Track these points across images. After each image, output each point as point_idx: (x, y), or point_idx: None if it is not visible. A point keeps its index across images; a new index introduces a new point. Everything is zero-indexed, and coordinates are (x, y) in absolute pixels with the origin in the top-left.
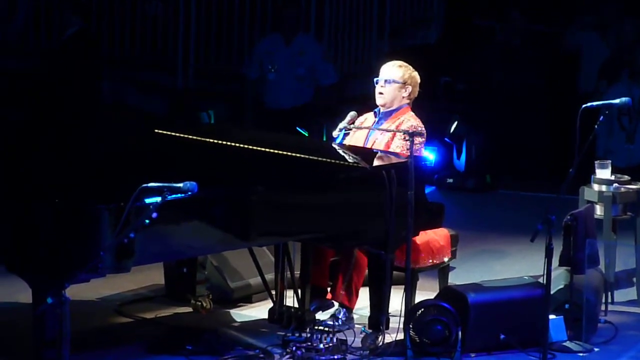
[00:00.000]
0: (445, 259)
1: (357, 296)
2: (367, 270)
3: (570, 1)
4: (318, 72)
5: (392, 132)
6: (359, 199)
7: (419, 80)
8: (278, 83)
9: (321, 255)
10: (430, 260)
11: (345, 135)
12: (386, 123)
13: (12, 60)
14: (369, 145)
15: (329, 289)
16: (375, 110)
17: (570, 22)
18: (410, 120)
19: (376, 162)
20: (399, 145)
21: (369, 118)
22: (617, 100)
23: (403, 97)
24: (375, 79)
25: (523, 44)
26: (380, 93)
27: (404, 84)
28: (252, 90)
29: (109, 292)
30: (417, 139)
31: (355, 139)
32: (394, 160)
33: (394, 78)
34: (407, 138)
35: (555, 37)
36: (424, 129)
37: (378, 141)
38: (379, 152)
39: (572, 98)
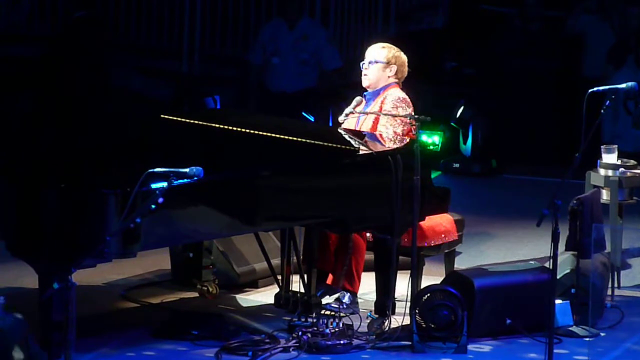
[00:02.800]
0: (452, 241)
1: (359, 280)
2: (372, 255)
3: None
4: (323, 56)
5: (380, 112)
6: (365, 183)
7: (405, 60)
8: (282, 67)
9: (325, 240)
10: (436, 242)
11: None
12: (373, 103)
13: (18, 46)
14: (358, 128)
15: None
16: (365, 93)
17: (573, 6)
18: (395, 93)
19: (374, 146)
20: (384, 124)
21: (363, 103)
22: (623, 85)
23: (388, 77)
24: (361, 63)
25: (530, 29)
26: (365, 75)
27: (388, 63)
28: (256, 75)
29: (115, 277)
30: (402, 105)
31: (348, 123)
32: (379, 146)
33: (377, 58)
34: (413, 123)
35: (561, 21)
36: (407, 98)
37: (366, 122)
38: (374, 137)
39: (579, 82)
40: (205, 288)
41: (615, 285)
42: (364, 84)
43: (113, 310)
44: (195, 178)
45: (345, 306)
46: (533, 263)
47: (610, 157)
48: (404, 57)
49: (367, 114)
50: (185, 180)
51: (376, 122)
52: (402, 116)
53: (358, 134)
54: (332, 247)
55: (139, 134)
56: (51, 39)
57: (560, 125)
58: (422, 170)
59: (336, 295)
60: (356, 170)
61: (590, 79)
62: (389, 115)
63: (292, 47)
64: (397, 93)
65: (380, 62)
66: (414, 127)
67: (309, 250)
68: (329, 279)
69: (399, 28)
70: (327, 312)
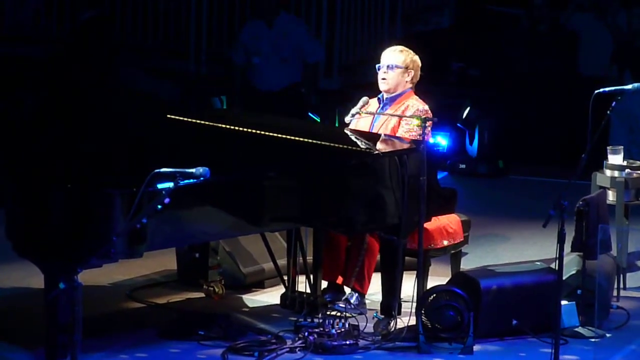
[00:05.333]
0: (458, 241)
1: (369, 281)
2: (379, 256)
3: None
4: (305, 50)
5: (399, 117)
6: (371, 184)
7: (420, 64)
8: (264, 67)
9: (336, 252)
10: (444, 242)
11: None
12: (391, 108)
13: (24, 47)
14: (374, 131)
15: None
16: (379, 96)
17: (566, 5)
18: (416, 105)
19: (382, 146)
20: (406, 130)
21: (372, 104)
22: (629, 86)
23: (406, 82)
24: (377, 66)
25: (535, 29)
26: (384, 79)
27: (407, 68)
28: (240, 75)
29: (121, 278)
30: (428, 123)
31: (361, 125)
32: (398, 145)
33: (397, 63)
34: (420, 124)
35: (558, 21)
36: (428, 109)
37: (384, 127)
38: (387, 137)
39: (576, 81)
40: (212, 288)
41: (621, 286)
42: (382, 88)
43: (119, 311)
44: (202, 178)
45: (352, 307)
46: (539, 264)
47: (616, 158)
48: (419, 61)
49: (372, 114)
50: (192, 180)
51: (396, 127)
52: (408, 117)
53: (365, 135)
54: (343, 256)
55: (146, 134)
56: (60, 39)
57: (567, 126)
58: (428, 170)
59: (344, 297)
60: (363, 171)
61: (585, 76)
62: (395, 116)
63: (273, 46)
64: (419, 104)
65: (400, 67)
66: (421, 128)
67: (316, 251)
68: (339, 280)
69: (405, 29)
70: (334, 312)
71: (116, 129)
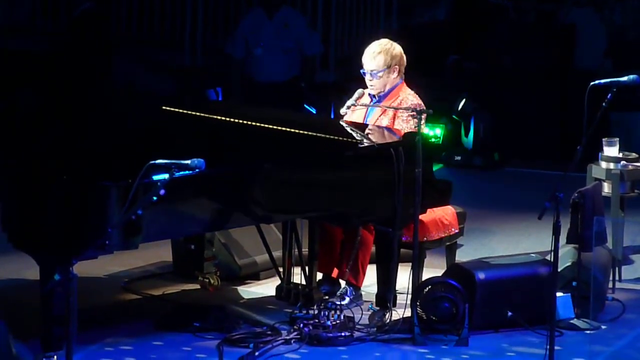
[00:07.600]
0: (453, 233)
1: (363, 274)
2: (374, 248)
3: None
4: (304, 42)
5: (393, 113)
6: (366, 176)
7: (400, 51)
8: (266, 58)
9: (332, 245)
10: (438, 234)
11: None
12: (384, 103)
13: (20, 41)
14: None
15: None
16: (372, 97)
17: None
18: (409, 99)
19: (377, 138)
20: (403, 120)
21: (365, 96)
22: (624, 78)
23: (394, 78)
24: (362, 71)
25: (533, 22)
26: (371, 85)
27: (389, 67)
28: (239, 68)
29: (117, 269)
30: (423, 115)
31: (354, 117)
32: (392, 137)
33: (378, 68)
34: (415, 116)
35: (555, 14)
36: (421, 102)
37: (379, 121)
38: (381, 128)
39: (571, 74)
40: (207, 280)
41: (617, 278)
42: (372, 92)
43: (114, 302)
44: (197, 170)
45: (347, 301)
46: (534, 256)
47: (611, 150)
48: (399, 49)
49: (368, 106)
50: (187, 172)
51: (391, 124)
52: (404, 109)
53: (361, 127)
54: (338, 248)
55: (141, 126)
56: (56, 33)
57: (563, 118)
58: (423, 163)
59: (339, 292)
60: (358, 162)
61: (581, 70)
62: (389, 108)
63: (275, 36)
64: (412, 99)
65: (382, 70)
66: (409, 121)
67: (311, 243)
68: (334, 273)
69: (400, 21)
70: (329, 305)
71: (113, 122)
